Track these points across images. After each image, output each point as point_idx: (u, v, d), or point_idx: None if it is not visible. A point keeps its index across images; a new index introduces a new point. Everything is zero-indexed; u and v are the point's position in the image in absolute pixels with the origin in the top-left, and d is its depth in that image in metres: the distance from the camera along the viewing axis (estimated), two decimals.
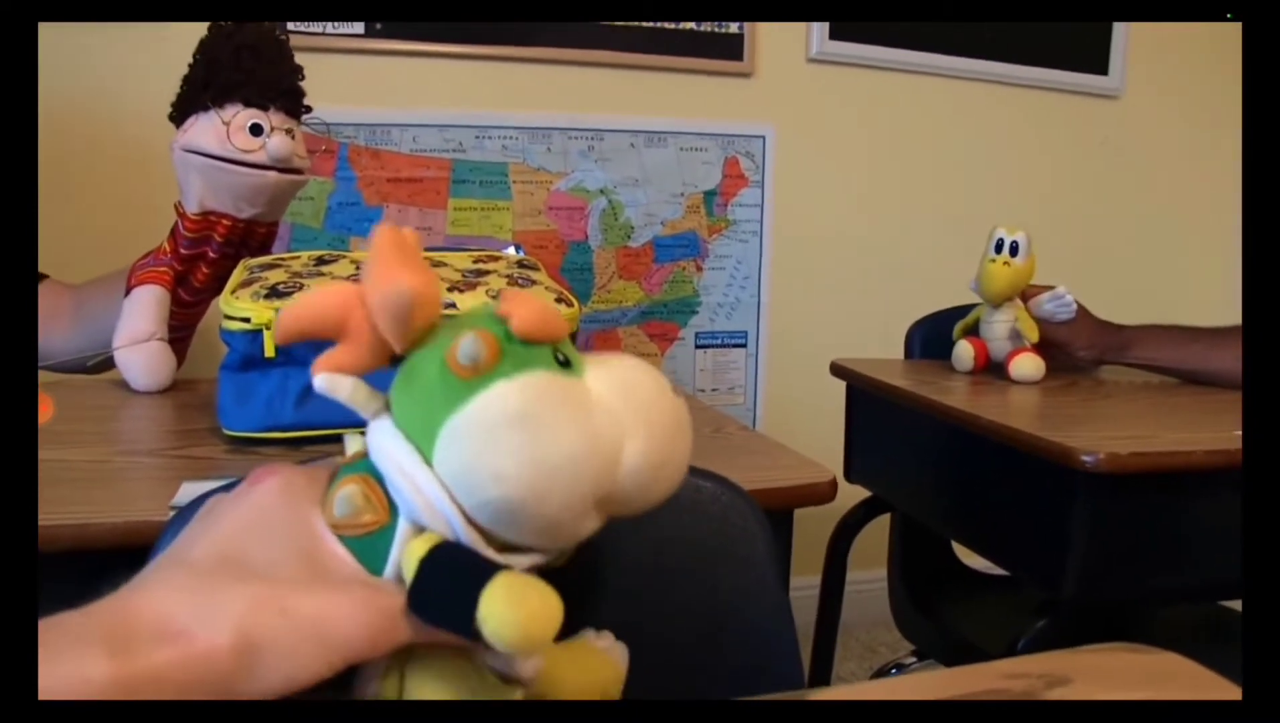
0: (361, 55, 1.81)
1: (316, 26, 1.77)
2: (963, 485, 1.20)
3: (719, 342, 2.09)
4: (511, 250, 1.12)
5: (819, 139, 2.12)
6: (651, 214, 2.01)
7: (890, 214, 2.20)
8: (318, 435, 0.86)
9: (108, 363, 1.16)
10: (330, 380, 0.39)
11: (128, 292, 1.07)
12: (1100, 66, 2.32)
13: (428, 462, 0.38)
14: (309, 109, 1.13)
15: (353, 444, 0.43)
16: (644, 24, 1.94)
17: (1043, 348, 1.38)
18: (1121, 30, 2.30)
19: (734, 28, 2.00)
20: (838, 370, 1.37)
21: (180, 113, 1.07)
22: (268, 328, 0.79)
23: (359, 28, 1.79)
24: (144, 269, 1.08)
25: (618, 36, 1.93)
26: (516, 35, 1.87)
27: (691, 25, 1.97)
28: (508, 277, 0.92)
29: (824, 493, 0.80)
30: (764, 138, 2.06)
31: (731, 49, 2.01)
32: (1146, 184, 2.43)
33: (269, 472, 0.41)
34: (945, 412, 1.13)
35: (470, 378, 0.37)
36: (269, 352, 0.80)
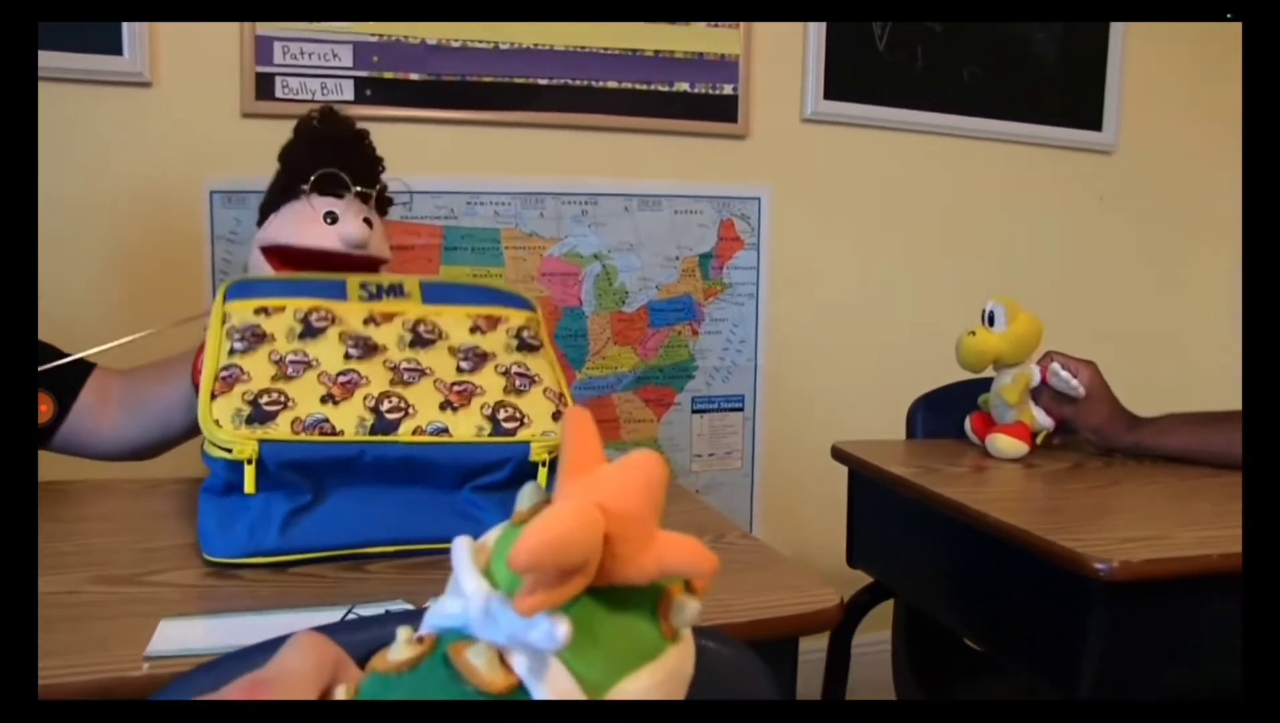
0: None
1: (305, 94, 1.75)
2: (969, 580, 1.16)
3: (716, 406, 2.06)
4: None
5: (815, 200, 2.10)
6: (646, 278, 1.99)
7: (887, 274, 2.18)
8: (302, 559, 0.83)
9: (168, 443, 1.12)
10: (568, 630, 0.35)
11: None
12: (1094, 122, 2.31)
13: None
14: (390, 201, 1.14)
15: (404, 647, 0.37)
16: (637, 86, 1.92)
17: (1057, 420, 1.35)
18: (1114, 85, 2.29)
19: (728, 89, 1.99)
20: (839, 455, 1.33)
21: (262, 215, 1.07)
22: (249, 462, 0.76)
23: (349, 93, 1.77)
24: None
25: (610, 99, 1.92)
26: (507, 99, 1.86)
27: (685, 86, 1.96)
28: (504, 376, 0.89)
29: (830, 619, 0.77)
30: (759, 199, 2.05)
31: (726, 110, 2.00)
32: (1144, 239, 2.41)
33: None
34: (950, 506, 1.10)
35: (670, 638, 0.37)
36: (249, 488, 0.77)
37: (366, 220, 1.04)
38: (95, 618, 0.73)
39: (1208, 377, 2.42)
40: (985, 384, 1.37)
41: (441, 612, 0.37)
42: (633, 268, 1.98)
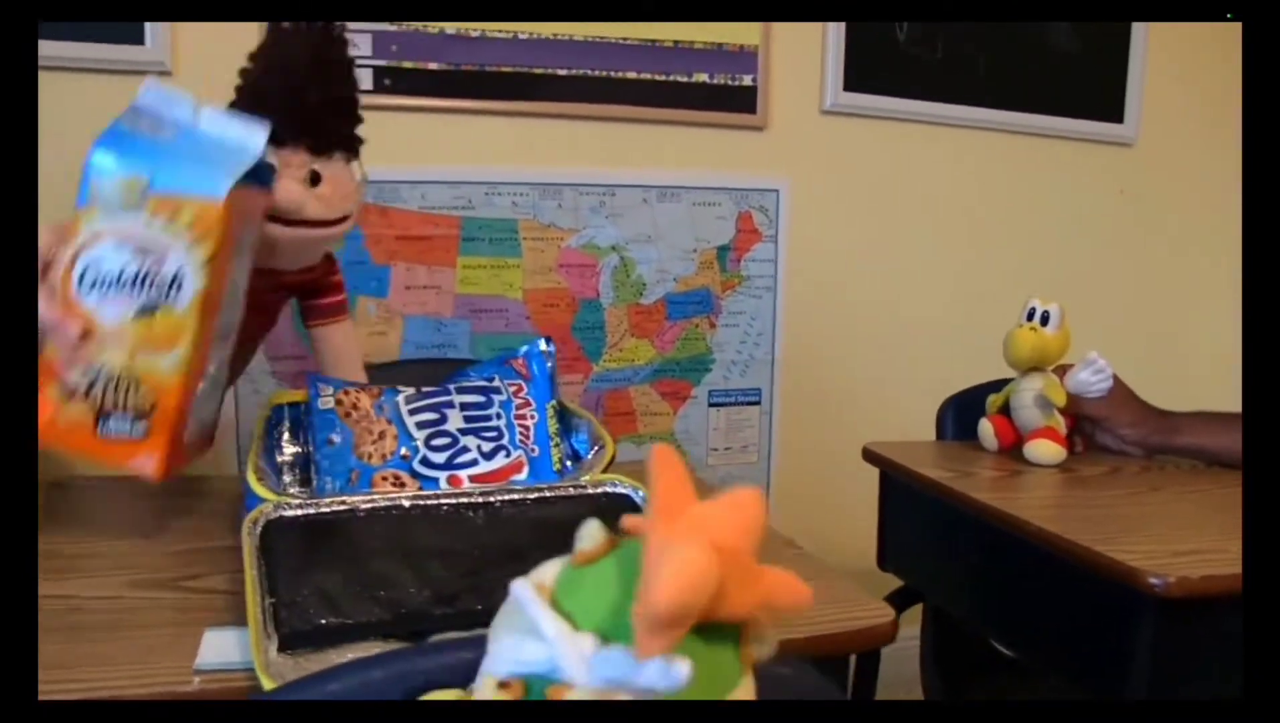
0: (369, 111, 1.75)
1: None
2: (1007, 587, 1.14)
3: (733, 400, 2.05)
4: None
5: (833, 192, 2.08)
6: (664, 270, 1.97)
7: (906, 268, 2.16)
8: None
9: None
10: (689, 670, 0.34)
11: None
12: (1115, 114, 2.29)
13: None
14: (358, 140, 0.97)
15: (493, 692, 0.36)
16: (656, 76, 1.90)
17: (1083, 426, 1.33)
18: (1136, 77, 2.27)
19: (747, 80, 1.96)
20: (870, 456, 1.32)
21: None
22: None
23: (367, 83, 1.75)
24: None
25: (629, 90, 1.89)
26: (526, 89, 1.83)
27: (704, 77, 1.93)
28: None
29: (885, 635, 0.75)
30: (778, 192, 2.02)
31: (745, 101, 1.98)
32: (1165, 232, 2.39)
33: None
34: (991, 513, 1.08)
35: (748, 668, 0.38)
36: None
37: (314, 172, 0.91)
38: (139, 627, 0.72)
39: (1227, 372, 2.41)
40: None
41: (522, 658, 0.36)
42: (650, 260, 1.96)
